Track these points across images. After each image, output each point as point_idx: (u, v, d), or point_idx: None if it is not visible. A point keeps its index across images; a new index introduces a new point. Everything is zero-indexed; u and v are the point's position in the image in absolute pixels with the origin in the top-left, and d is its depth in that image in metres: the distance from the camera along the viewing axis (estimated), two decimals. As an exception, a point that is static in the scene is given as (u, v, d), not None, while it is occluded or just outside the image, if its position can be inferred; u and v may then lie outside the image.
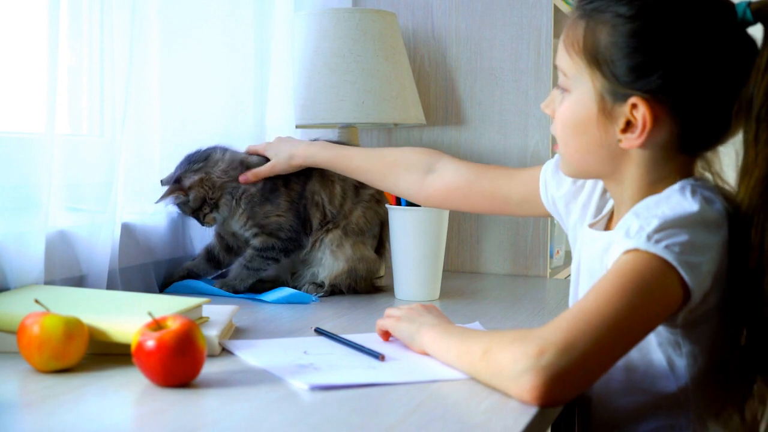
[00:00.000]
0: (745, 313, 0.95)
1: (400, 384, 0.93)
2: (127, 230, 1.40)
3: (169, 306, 1.05)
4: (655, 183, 1.01)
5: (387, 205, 1.55)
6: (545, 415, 0.87)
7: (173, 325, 0.91)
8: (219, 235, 1.58)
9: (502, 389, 0.89)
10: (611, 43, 0.97)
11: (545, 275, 1.90)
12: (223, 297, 1.46)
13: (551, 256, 2.02)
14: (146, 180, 1.50)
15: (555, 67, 1.06)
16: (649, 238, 0.91)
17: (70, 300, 1.09)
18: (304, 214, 1.52)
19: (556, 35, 1.99)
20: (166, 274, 1.54)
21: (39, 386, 0.90)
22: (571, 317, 0.89)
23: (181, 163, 1.51)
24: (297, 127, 1.77)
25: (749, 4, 0.97)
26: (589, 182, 1.18)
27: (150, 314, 0.93)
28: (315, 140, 1.56)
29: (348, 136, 1.82)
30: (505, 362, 0.88)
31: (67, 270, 1.28)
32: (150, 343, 0.89)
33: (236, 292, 1.49)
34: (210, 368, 0.96)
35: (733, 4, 0.98)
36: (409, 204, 1.50)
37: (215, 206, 1.50)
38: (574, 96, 1.02)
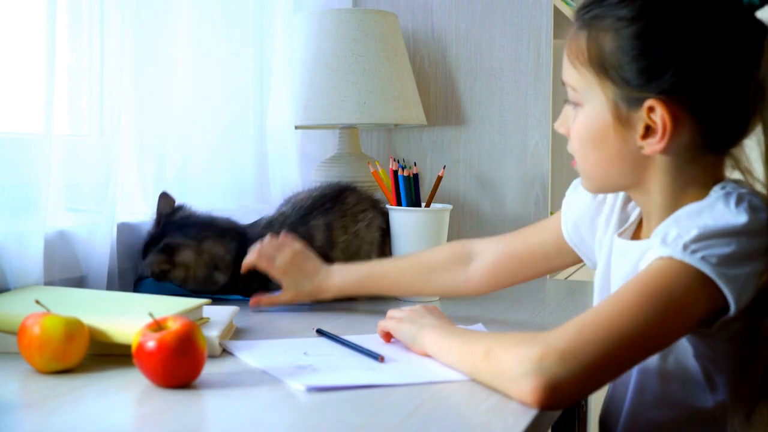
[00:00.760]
0: None
1: (398, 385, 0.93)
2: (126, 230, 1.40)
3: (170, 307, 1.05)
4: (684, 188, 0.97)
5: (387, 206, 1.55)
6: (545, 417, 0.87)
7: (174, 325, 0.91)
8: None
9: (502, 390, 0.89)
10: (617, 48, 0.94)
11: (545, 276, 1.89)
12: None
13: (551, 257, 2.01)
14: (146, 180, 1.49)
15: (562, 83, 1.02)
16: (685, 247, 0.87)
17: (71, 300, 1.09)
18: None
19: (556, 36, 1.99)
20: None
21: (39, 387, 0.90)
22: (581, 324, 0.87)
23: (171, 224, 1.39)
24: (297, 127, 1.77)
25: None
26: (610, 196, 1.13)
27: (151, 315, 0.93)
28: (327, 267, 1.36)
29: (349, 136, 1.82)
30: (507, 363, 0.87)
31: (66, 270, 1.28)
32: (151, 344, 0.89)
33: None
34: (210, 369, 0.96)
35: None
36: (410, 204, 1.50)
37: (191, 279, 1.38)
38: (587, 109, 0.98)
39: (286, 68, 1.71)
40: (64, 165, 1.29)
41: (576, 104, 1.00)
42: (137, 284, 1.42)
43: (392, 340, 1.12)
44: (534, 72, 1.90)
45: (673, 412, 0.98)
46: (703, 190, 0.95)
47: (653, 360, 0.99)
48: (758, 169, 0.95)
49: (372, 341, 1.11)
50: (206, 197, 1.59)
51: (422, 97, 1.95)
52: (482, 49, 1.94)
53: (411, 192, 1.53)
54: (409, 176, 1.52)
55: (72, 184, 1.34)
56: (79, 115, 1.44)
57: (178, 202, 1.43)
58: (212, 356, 1.03)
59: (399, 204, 1.53)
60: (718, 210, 0.91)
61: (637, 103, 0.94)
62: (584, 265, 1.22)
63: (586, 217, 1.15)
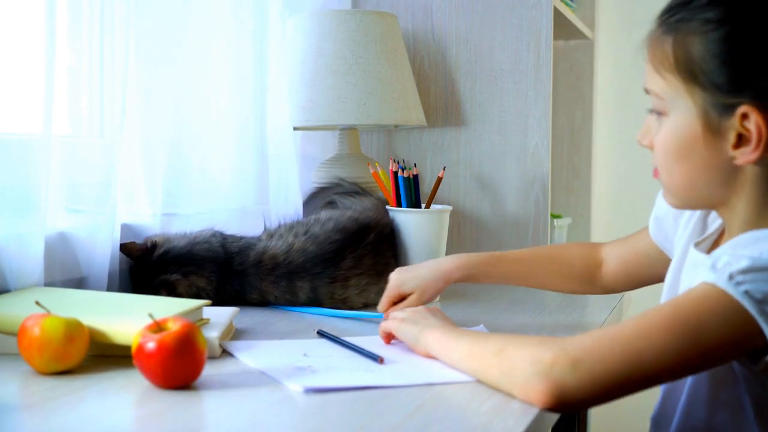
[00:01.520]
0: None
1: (397, 387, 0.93)
2: (127, 231, 1.40)
3: (170, 308, 1.05)
4: None
5: (387, 206, 1.55)
6: (546, 418, 0.87)
7: (174, 326, 0.91)
8: None
9: (508, 389, 0.88)
10: (705, 51, 0.89)
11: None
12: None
13: (551, 258, 2.01)
14: (147, 181, 1.49)
15: (646, 92, 0.97)
16: (731, 277, 0.82)
17: (71, 302, 1.09)
18: None
19: (556, 37, 1.99)
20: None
21: (40, 388, 0.90)
22: (599, 337, 0.85)
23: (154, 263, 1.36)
24: (295, 128, 1.77)
25: None
26: None
27: (151, 316, 0.93)
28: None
29: (349, 137, 1.82)
30: (519, 362, 0.86)
31: (67, 271, 1.28)
32: (151, 345, 0.89)
33: None
34: (210, 370, 0.96)
35: None
36: (410, 205, 1.50)
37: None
38: (673, 118, 0.93)
39: (286, 69, 1.71)
40: (64, 166, 1.29)
41: (660, 113, 0.95)
42: None
43: (393, 341, 1.12)
44: (534, 73, 1.90)
45: None
46: None
47: (702, 389, 0.96)
48: None
49: (373, 343, 1.11)
50: (206, 198, 1.59)
51: (422, 98, 1.95)
52: (482, 50, 1.94)
53: (411, 193, 1.53)
54: (409, 177, 1.52)
55: (72, 185, 1.34)
56: (79, 116, 1.44)
57: (142, 238, 1.40)
58: (212, 357, 1.03)
59: (399, 205, 1.53)
60: None
61: (730, 109, 0.89)
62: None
63: (669, 214, 1.12)
